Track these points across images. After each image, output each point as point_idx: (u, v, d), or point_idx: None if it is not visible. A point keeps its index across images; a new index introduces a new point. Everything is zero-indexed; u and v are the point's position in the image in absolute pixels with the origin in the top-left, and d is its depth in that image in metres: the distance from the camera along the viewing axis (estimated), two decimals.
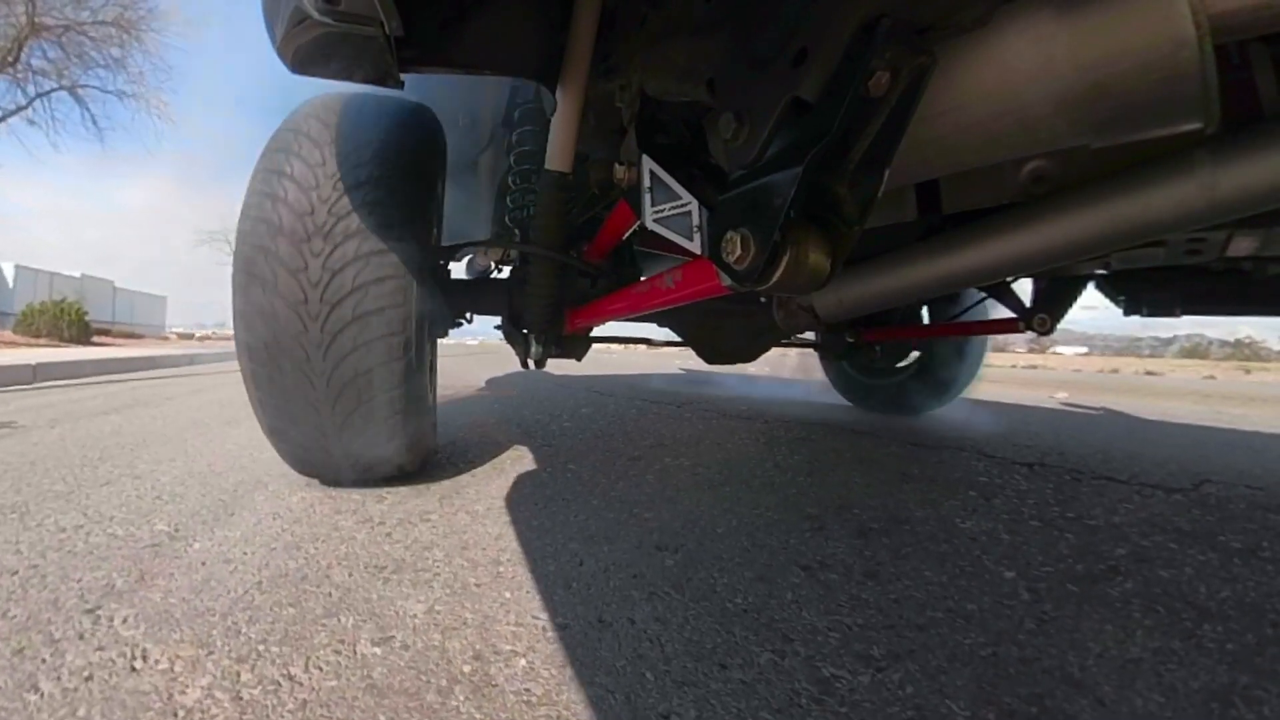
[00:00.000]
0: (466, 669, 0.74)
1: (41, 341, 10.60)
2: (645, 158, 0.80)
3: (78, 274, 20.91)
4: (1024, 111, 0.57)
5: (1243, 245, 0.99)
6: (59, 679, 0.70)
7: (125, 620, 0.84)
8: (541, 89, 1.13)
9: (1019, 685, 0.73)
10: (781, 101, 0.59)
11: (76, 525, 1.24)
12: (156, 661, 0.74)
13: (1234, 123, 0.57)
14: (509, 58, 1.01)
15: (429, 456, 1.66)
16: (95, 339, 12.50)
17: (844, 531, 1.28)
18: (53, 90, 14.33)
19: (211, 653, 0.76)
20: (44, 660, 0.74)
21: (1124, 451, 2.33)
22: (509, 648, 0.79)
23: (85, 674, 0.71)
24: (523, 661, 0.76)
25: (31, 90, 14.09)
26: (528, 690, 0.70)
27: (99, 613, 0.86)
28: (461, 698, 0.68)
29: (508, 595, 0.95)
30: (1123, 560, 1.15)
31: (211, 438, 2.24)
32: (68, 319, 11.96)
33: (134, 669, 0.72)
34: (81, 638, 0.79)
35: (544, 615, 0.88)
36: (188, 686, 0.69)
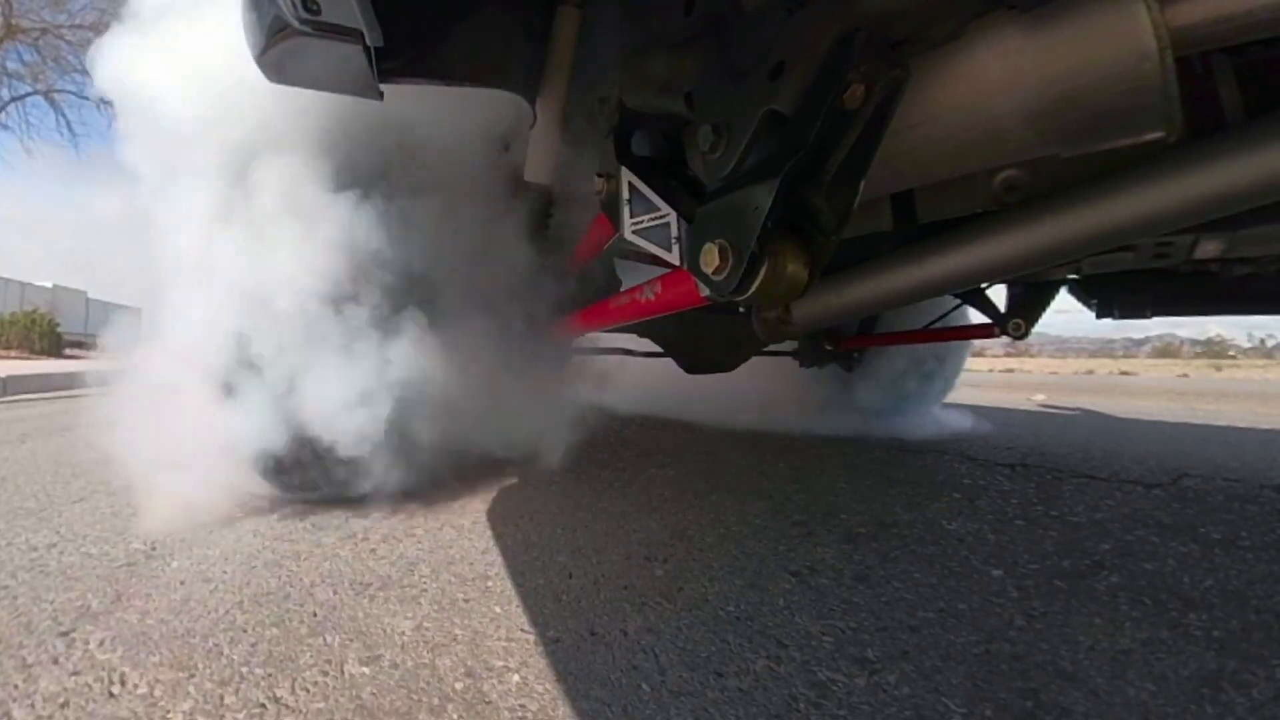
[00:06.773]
0: (459, 686, 0.73)
1: (12, 354, 10.29)
2: (624, 169, 0.81)
3: (49, 284, 20.32)
4: (994, 123, 0.59)
5: (1209, 248, 1.03)
6: (32, 705, 0.68)
7: (101, 643, 0.82)
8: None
9: (1013, 680, 0.74)
10: (758, 114, 0.60)
11: (49, 544, 1.20)
12: (135, 686, 0.72)
13: (1198, 130, 0.59)
14: (489, 70, 1.01)
15: None
16: (68, 351, 12.17)
17: (832, 537, 1.29)
18: (28, 95, 13.98)
19: (193, 675, 0.74)
20: (16, 686, 0.71)
21: (1103, 450, 2.38)
22: (501, 663, 0.78)
23: (60, 700, 0.69)
24: (516, 677, 0.75)
25: (5, 94, 13.75)
26: (522, 706, 0.69)
27: (74, 635, 0.84)
28: (455, 716, 0.67)
29: (498, 610, 0.94)
30: (1107, 555, 1.17)
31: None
32: (39, 330, 11.64)
33: (112, 694, 0.70)
34: (56, 662, 0.77)
35: (535, 629, 0.88)
36: (169, 712, 0.67)
